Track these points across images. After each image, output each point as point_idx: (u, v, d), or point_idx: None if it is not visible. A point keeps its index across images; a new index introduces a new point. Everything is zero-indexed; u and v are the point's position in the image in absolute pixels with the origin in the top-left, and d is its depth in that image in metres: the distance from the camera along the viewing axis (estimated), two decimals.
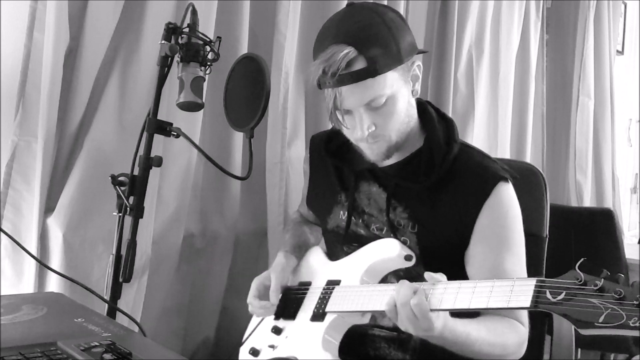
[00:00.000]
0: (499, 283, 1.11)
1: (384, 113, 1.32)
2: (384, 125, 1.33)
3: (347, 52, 1.26)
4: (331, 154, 1.53)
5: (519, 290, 1.06)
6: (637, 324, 0.92)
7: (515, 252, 1.37)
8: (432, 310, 1.14)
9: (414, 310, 1.14)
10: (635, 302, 0.93)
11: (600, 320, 0.95)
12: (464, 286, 1.15)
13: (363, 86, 1.28)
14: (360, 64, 1.27)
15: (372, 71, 1.27)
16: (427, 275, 1.19)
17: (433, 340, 1.22)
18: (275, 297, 1.44)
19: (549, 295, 1.01)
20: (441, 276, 1.19)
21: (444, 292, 1.16)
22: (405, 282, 1.18)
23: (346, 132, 1.39)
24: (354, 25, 1.30)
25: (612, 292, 0.95)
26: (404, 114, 1.36)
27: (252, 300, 1.47)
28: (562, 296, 0.99)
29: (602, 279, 0.97)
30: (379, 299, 1.27)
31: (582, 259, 0.99)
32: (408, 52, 1.33)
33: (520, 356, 1.34)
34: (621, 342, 2.51)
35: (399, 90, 1.33)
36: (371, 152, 1.38)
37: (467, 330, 1.22)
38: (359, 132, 1.34)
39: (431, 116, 1.44)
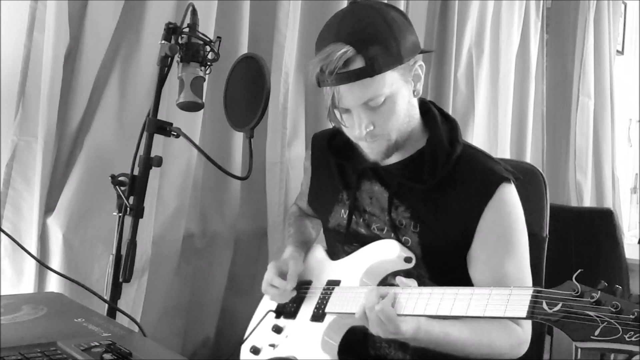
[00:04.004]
0: (496, 291, 1.11)
1: (383, 112, 1.32)
2: (383, 125, 1.33)
3: (344, 50, 1.25)
4: (334, 152, 1.53)
5: (516, 300, 1.06)
6: (634, 339, 0.91)
7: (518, 253, 1.36)
8: (401, 315, 1.18)
9: (379, 315, 1.19)
10: (631, 315, 0.92)
11: (596, 333, 0.94)
12: (448, 292, 1.17)
13: (361, 85, 1.27)
14: (358, 63, 1.26)
15: (370, 71, 1.26)
16: (399, 279, 1.24)
17: (411, 342, 1.26)
18: (293, 282, 1.44)
19: (545, 306, 1.01)
20: (411, 282, 1.24)
21: (417, 297, 1.19)
22: (374, 289, 1.24)
23: (345, 131, 1.39)
24: (354, 24, 1.29)
25: (609, 305, 0.94)
26: (404, 113, 1.35)
27: (273, 278, 1.44)
28: (558, 307, 0.99)
29: (599, 291, 0.96)
30: None
31: (579, 270, 0.98)
32: (409, 52, 1.32)
33: (519, 356, 1.34)
34: None
35: (398, 90, 1.32)
36: (370, 150, 1.38)
37: (446, 331, 1.23)
38: (357, 131, 1.34)
39: (434, 116, 1.44)
